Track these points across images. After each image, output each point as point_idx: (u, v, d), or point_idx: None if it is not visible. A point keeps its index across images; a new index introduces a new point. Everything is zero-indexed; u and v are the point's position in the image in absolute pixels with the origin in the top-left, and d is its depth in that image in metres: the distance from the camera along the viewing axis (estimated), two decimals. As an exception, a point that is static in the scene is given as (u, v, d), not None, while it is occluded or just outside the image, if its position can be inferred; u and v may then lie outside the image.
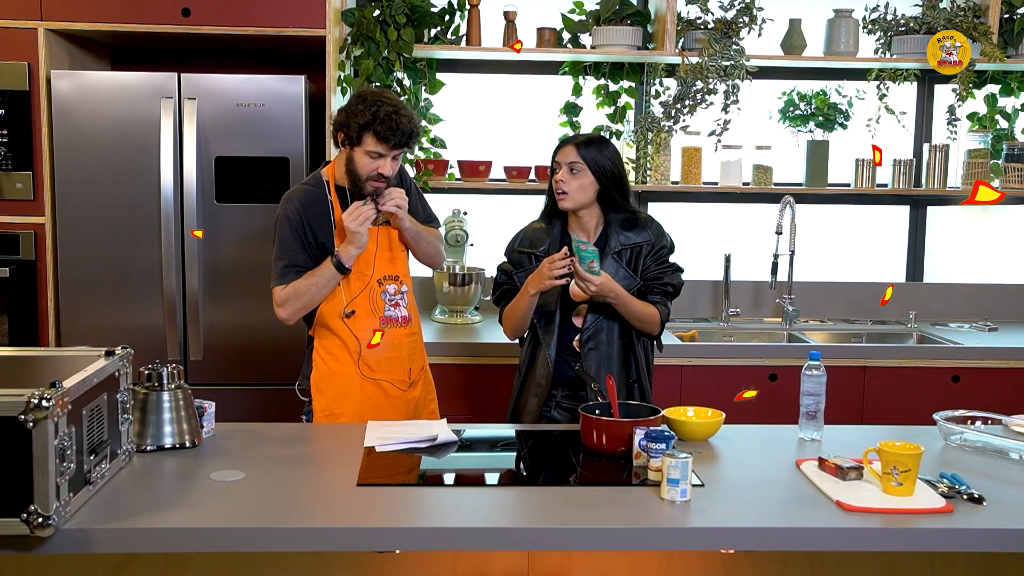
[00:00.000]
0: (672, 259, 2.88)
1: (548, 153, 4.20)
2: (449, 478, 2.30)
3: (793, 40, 4.06)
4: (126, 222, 3.55)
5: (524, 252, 2.86)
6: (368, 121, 2.67)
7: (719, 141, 3.95)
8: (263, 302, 3.55)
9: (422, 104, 4.07)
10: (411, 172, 4.05)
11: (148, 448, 2.33)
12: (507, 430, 2.70)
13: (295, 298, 2.77)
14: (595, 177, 2.76)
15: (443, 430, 2.52)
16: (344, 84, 3.78)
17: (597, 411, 2.48)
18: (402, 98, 3.87)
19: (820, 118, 4.24)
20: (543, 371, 2.80)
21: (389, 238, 2.87)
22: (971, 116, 4.34)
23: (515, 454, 2.54)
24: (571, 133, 4.21)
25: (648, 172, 4.12)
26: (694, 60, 3.88)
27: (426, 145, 4.10)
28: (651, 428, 2.27)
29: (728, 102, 3.90)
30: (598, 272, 2.63)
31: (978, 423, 2.61)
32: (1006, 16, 4.01)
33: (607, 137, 2.83)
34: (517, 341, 2.96)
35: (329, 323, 2.83)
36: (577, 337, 2.81)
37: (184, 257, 3.55)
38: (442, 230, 4.07)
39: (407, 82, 3.98)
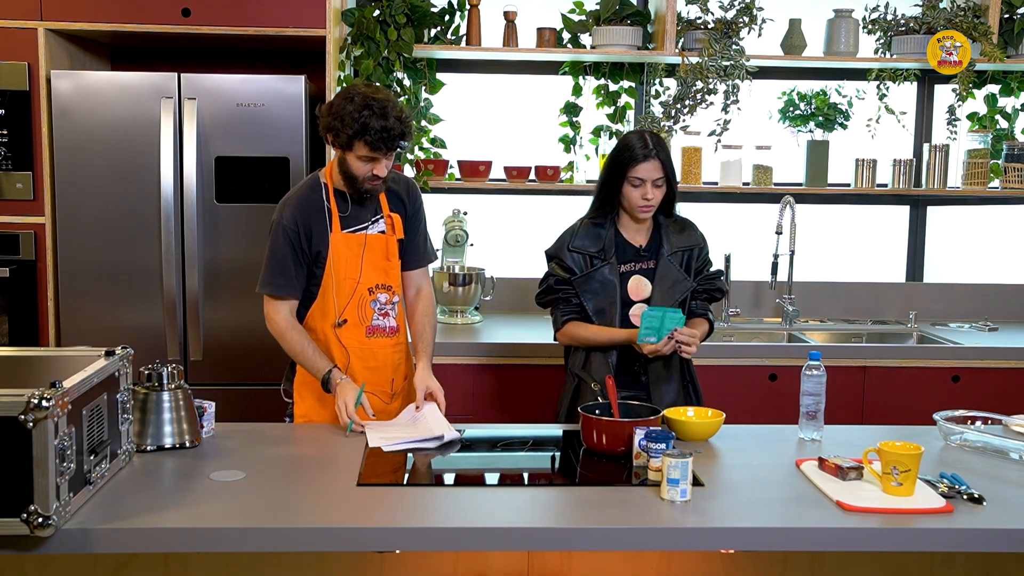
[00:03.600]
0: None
1: (548, 153, 4.27)
2: (449, 478, 2.30)
3: (793, 40, 4.05)
4: (126, 222, 3.54)
5: (578, 251, 2.85)
6: (358, 131, 2.58)
7: (719, 141, 3.95)
8: (263, 302, 3.57)
9: (422, 104, 4.06)
10: (410, 173, 4.05)
11: (148, 448, 2.33)
12: (507, 430, 2.70)
13: (281, 340, 2.73)
14: (669, 186, 2.82)
15: (447, 429, 2.52)
16: (344, 84, 3.77)
17: (597, 411, 2.48)
18: (402, 98, 3.87)
19: (820, 118, 4.23)
20: (601, 375, 2.76)
21: (386, 247, 2.78)
22: (971, 116, 4.34)
23: (516, 454, 2.54)
24: (570, 134, 4.21)
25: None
26: (694, 60, 3.88)
27: (426, 145, 4.10)
28: (651, 428, 2.27)
29: (728, 102, 3.90)
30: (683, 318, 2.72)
31: (978, 423, 2.61)
32: (1006, 16, 4.01)
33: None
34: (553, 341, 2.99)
35: (317, 330, 2.77)
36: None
37: (184, 257, 3.55)
38: (442, 230, 4.08)
39: (407, 82, 3.98)
